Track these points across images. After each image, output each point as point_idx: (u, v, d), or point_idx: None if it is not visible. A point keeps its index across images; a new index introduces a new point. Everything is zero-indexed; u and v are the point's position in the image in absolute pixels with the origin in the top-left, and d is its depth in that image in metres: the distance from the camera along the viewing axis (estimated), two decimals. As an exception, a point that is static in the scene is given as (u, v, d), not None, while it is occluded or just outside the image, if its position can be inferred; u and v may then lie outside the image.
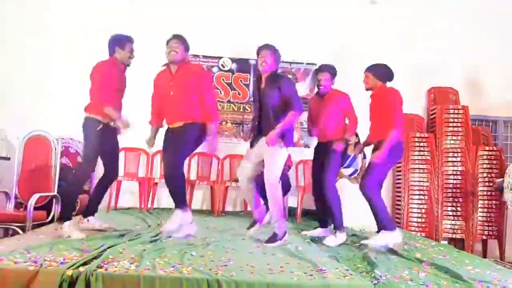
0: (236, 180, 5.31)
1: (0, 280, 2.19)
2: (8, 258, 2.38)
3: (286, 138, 3.41)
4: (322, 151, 4.02)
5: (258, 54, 3.58)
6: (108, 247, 2.79)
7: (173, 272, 2.33)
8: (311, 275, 2.49)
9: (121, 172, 5.01)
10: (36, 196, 4.25)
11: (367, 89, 3.79)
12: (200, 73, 3.58)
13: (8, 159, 5.04)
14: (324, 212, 4.09)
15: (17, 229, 4.15)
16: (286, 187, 5.17)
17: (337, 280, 2.41)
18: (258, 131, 3.55)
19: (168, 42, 3.49)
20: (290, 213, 5.28)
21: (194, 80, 3.45)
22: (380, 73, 3.70)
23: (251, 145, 3.60)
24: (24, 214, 4.23)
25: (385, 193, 5.77)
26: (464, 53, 5.90)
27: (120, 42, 3.65)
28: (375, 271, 2.65)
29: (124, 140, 5.04)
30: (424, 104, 5.91)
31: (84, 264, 2.35)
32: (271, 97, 3.44)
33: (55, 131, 5.03)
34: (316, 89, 4.26)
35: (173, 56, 3.44)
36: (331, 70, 4.03)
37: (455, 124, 5.42)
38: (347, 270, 2.67)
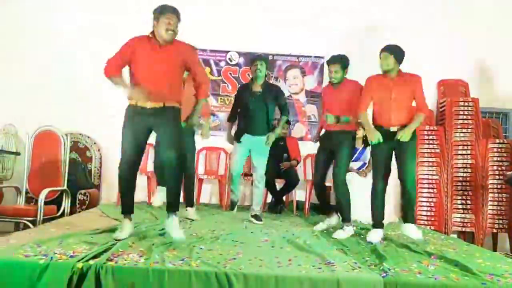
0: (246, 175, 5.35)
1: (11, 273, 2.22)
2: (19, 252, 2.41)
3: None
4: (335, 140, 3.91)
5: (252, 63, 4.27)
6: (118, 240, 2.81)
7: (181, 266, 2.35)
8: (320, 268, 2.49)
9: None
10: (46, 191, 4.31)
11: (385, 71, 3.59)
12: (190, 49, 3.28)
13: (19, 154, 5.10)
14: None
15: (28, 223, 4.21)
16: (294, 181, 5.18)
17: (346, 273, 2.41)
18: (246, 128, 4.24)
19: (162, 14, 3.03)
20: (298, 207, 5.28)
21: (184, 58, 3.13)
22: (400, 55, 3.58)
23: (238, 140, 4.30)
24: (35, 208, 4.29)
25: (393, 186, 5.74)
26: (474, 45, 5.84)
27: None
28: (383, 264, 2.64)
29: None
30: (434, 96, 5.86)
31: (94, 257, 2.37)
32: (269, 101, 4.19)
33: (64, 126, 5.09)
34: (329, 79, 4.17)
35: (171, 36, 3.05)
36: (341, 61, 3.89)
37: (465, 117, 5.36)
38: (356, 263, 2.67)
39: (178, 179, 3.11)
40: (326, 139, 4.00)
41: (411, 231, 3.56)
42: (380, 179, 3.67)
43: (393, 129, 3.54)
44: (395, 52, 3.55)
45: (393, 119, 3.55)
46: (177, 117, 3.11)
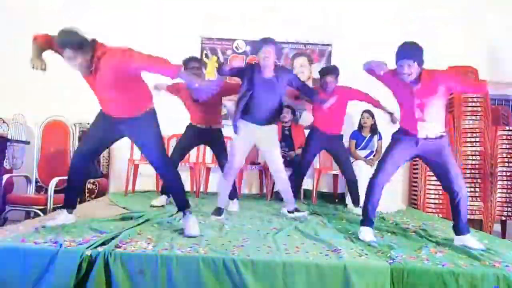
0: (253, 163, 5.39)
1: (21, 260, 2.26)
2: (29, 239, 2.44)
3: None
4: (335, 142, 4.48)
5: (259, 49, 3.59)
6: (127, 229, 2.84)
7: (190, 252, 2.37)
8: (327, 255, 2.50)
9: (138, 156, 5.07)
10: (55, 180, 4.36)
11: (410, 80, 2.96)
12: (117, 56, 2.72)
13: (28, 143, 5.13)
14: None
15: (38, 211, 4.27)
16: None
17: (353, 260, 2.41)
18: (249, 118, 3.63)
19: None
20: (306, 195, 5.27)
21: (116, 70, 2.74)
22: (421, 57, 2.92)
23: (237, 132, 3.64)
24: (45, 197, 4.35)
25: (402, 174, 5.73)
26: (483, 31, 5.75)
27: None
28: (390, 251, 2.64)
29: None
30: (442, 84, 5.79)
31: (103, 244, 2.40)
32: (282, 88, 3.66)
33: (72, 116, 5.11)
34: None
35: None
36: (337, 72, 4.24)
37: (474, 104, 5.30)
38: (362, 250, 2.67)
39: (176, 180, 3.04)
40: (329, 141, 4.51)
41: None
42: (386, 176, 3.15)
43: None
44: (416, 58, 2.89)
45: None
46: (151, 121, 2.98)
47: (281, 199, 5.03)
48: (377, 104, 4.33)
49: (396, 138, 3.15)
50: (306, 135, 4.67)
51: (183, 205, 3.01)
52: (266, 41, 3.59)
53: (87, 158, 3.04)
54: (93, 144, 3.00)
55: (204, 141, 4.33)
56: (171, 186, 3.06)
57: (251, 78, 3.61)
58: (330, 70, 4.33)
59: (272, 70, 3.64)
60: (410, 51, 2.91)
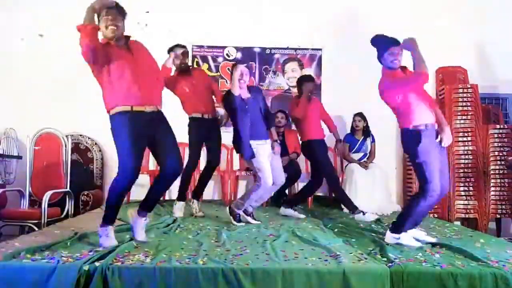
0: (247, 170, 5.38)
1: (19, 277, 2.23)
2: (26, 256, 2.42)
3: None
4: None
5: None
6: (124, 242, 2.82)
7: (188, 263, 2.36)
8: (326, 260, 2.50)
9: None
10: (49, 193, 4.32)
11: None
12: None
13: (20, 158, 5.09)
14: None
15: (33, 226, 4.23)
16: (295, 174, 5.17)
17: (352, 264, 2.42)
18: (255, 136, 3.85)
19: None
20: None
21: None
22: None
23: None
24: (39, 211, 4.31)
25: (396, 175, 5.77)
26: (472, 30, 5.81)
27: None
28: (389, 254, 2.65)
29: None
30: (432, 84, 5.84)
31: (100, 259, 2.38)
32: (263, 104, 4.02)
33: (64, 128, 5.08)
34: None
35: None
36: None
37: (464, 104, 5.34)
38: (362, 254, 2.68)
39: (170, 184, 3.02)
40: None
41: None
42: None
43: None
44: None
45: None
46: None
47: (277, 205, 5.07)
48: (334, 130, 4.66)
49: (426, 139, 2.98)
50: (316, 150, 4.50)
51: (152, 208, 3.04)
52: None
53: (136, 173, 2.82)
54: (141, 156, 2.85)
55: (209, 133, 4.22)
56: (165, 186, 3.00)
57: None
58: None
59: (248, 90, 3.94)
60: (393, 39, 3.11)
